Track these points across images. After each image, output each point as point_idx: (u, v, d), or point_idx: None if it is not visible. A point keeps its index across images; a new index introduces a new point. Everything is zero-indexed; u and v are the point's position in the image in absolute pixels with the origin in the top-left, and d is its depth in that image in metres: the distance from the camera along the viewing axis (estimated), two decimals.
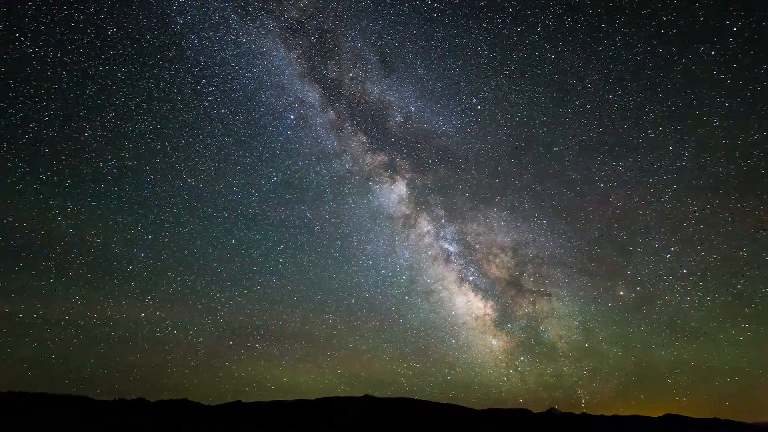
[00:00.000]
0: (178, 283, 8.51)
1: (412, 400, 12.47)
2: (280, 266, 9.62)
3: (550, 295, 10.92)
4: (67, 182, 7.91)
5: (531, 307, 10.75)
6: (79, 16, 7.31)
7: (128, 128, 8.12)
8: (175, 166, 8.49)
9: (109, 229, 8.40)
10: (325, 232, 9.85)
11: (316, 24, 9.39)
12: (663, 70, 11.08)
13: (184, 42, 8.49)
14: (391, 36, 9.65)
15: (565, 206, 10.52)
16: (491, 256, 10.60)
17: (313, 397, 11.32)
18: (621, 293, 11.35)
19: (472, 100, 10.16)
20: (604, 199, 11.04)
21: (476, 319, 10.77)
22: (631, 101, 10.15)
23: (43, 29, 7.13)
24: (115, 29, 7.54)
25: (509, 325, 10.62)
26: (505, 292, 10.75)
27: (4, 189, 7.16)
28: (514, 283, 10.79)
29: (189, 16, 8.39)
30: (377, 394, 10.59)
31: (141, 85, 8.22)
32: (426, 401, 12.48)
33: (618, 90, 10.05)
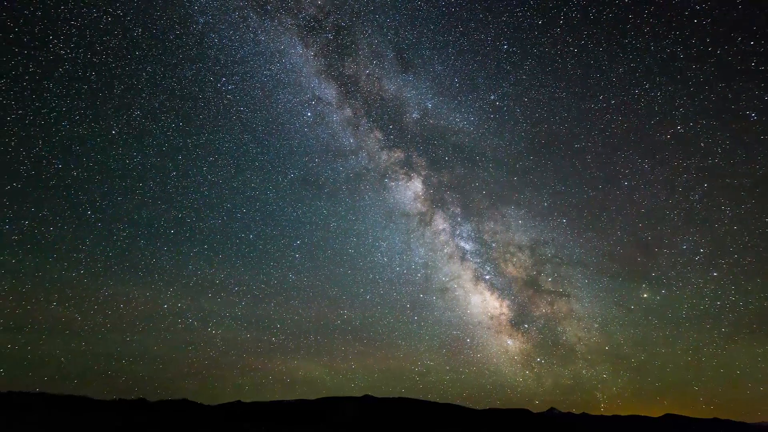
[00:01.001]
0: (198, 276, 8.36)
1: (412, 399, 12.34)
2: (296, 261, 9.38)
3: (569, 295, 10.83)
4: (96, 178, 7.86)
5: (549, 307, 10.63)
6: (107, 18, 7.16)
7: (152, 126, 7.94)
8: (196, 162, 8.28)
9: (134, 224, 8.30)
10: (341, 229, 9.63)
11: (333, 21, 9.17)
12: (695, 63, 10.71)
13: (205, 41, 8.29)
14: (408, 32, 9.46)
15: (586, 205, 10.46)
16: (508, 255, 10.46)
17: (318, 395, 11.11)
18: (645, 295, 11.33)
19: (490, 96, 9.99)
20: (629, 198, 11.03)
21: (492, 318, 10.62)
22: (659, 96, 9.98)
23: (74, 32, 6.99)
24: (140, 30, 7.40)
25: (526, 326, 10.49)
26: (522, 292, 10.62)
27: (40, 184, 7.09)
28: (531, 283, 10.67)
29: (210, 15, 8.18)
30: (391, 389, 10.40)
31: (164, 84, 8.06)
32: (426, 401, 12.38)
33: (645, 84, 9.87)
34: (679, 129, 11.08)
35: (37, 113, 7.07)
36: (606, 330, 11.69)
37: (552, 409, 15.08)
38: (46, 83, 7.16)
